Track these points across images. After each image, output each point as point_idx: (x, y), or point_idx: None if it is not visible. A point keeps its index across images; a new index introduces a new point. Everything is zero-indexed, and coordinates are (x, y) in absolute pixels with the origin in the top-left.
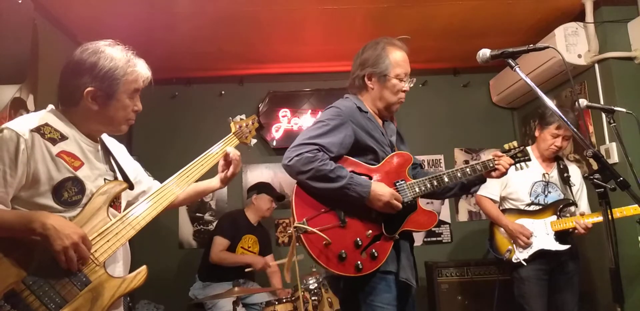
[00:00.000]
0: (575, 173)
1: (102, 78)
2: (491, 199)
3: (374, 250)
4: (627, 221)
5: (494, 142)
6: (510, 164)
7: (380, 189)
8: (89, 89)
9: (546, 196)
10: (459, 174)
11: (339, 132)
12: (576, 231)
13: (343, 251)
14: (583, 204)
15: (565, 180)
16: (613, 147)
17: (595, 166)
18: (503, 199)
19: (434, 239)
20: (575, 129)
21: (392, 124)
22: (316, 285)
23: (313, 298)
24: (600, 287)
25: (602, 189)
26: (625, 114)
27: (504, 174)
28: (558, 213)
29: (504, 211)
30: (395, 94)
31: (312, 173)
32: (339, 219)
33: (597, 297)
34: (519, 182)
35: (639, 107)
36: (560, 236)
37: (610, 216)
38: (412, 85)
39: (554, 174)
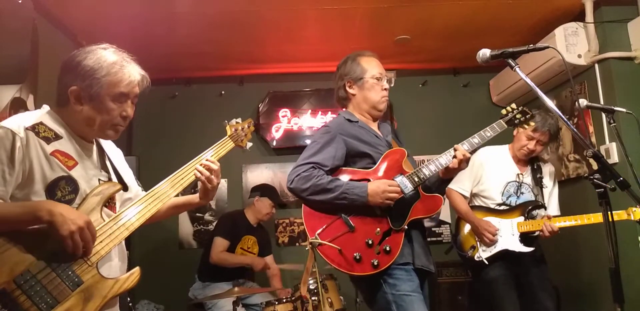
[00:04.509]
0: (548, 173)
1: (83, 77)
2: (462, 194)
3: (386, 245)
4: (627, 221)
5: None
6: (462, 160)
7: (375, 185)
8: (72, 88)
9: (518, 197)
10: (443, 161)
11: (330, 147)
12: (541, 234)
13: (357, 253)
14: (553, 206)
15: (538, 181)
16: (613, 147)
17: (595, 166)
18: (474, 195)
19: (434, 239)
20: (574, 129)
21: (387, 125)
22: (316, 285)
23: (313, 298)
24: (600, 287)
25: (602, 189)
26: (625, 114)
27: (457, 168)
28: (526, 215)
29: (473, 207)
30: (377, 93)
31: (312, 189)
32: (347, 226)
33: (597, 297)
34: (493, 180)
35: (639, 107)
36: (526, 238)
37: (610, 217)
38: (392, 85)
39: (527, 175)
